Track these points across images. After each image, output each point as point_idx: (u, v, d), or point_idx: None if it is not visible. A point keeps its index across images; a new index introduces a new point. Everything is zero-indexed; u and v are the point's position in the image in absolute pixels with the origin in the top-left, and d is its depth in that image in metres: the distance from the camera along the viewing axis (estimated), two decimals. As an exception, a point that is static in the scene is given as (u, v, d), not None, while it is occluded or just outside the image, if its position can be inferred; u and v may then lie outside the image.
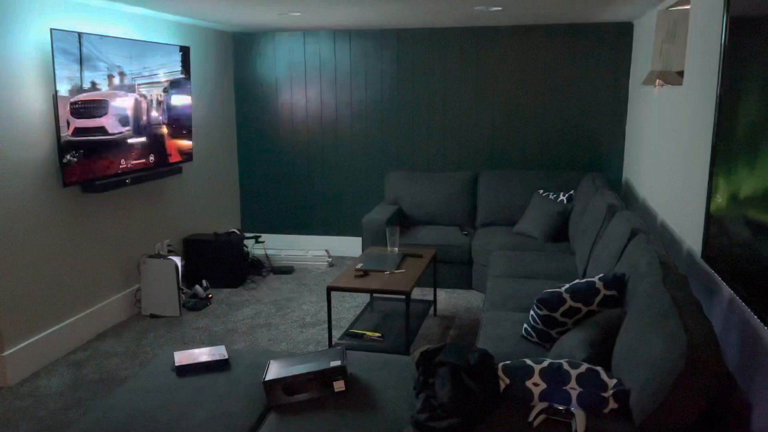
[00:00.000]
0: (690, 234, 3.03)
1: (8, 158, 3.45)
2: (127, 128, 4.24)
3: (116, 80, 4.09)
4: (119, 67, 4.11)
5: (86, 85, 3.81)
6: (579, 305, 2.66)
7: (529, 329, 2.88)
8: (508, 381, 2.10)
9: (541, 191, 5.24)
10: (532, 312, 2.83)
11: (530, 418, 1.94)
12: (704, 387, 1.75)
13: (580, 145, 5.55)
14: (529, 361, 2.13)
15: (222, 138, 5.90)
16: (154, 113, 4.55)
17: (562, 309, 2.67)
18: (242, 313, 4.62)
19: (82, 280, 4.08)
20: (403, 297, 3.72)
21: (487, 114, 5.67)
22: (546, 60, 5.48)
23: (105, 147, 4.02)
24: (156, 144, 4.59)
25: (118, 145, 4.15)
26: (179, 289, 4.52)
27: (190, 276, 5.07)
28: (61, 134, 3.65)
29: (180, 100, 4.88)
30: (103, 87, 3.96)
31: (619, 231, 3.20)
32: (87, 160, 3.86)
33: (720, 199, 2.50)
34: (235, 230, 5.38)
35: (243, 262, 5.30)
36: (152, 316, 4.53)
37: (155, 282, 4.49)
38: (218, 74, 5.77)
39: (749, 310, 2.15)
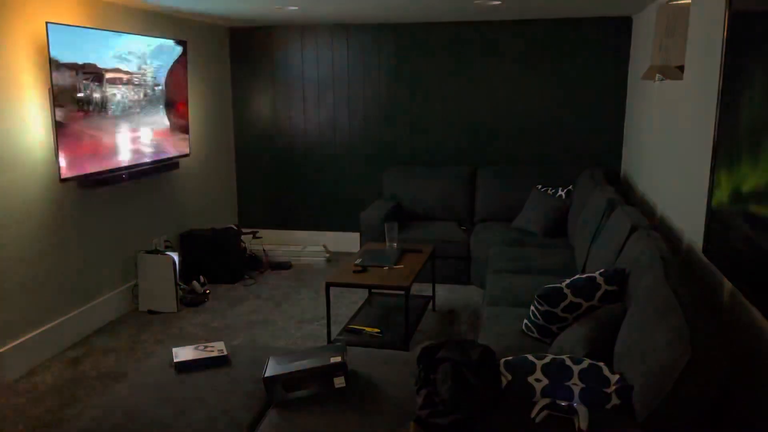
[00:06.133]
0: (691, 229, 3.02)
1: (4, 153, 3.41)
2: (124, 123, 4.21)
3: (112, 74, 4.05)
4: (116, 61, 4.07)
5: (82, 80, 3.77)
6: (580, 300, 2.65)
7: (529, 324, 2.87)
8: (509, 377, 2.08)
9: (540, 186, 5.22)
10: (532, 307, 2.82)
11: (532, 414, 1.93)
12: (707, 382, 1.74)
13: (578, 139, 5.54)
14: (530, 357, 2.12)
15: (219, 133, 5.87)
16: (151, 108, 4.52)
17: (562, 304, 2.66)
18: (240, 309, 4.60)
19: (79, 275, 4.06)
20: (402, 292, 3.71)
21: (486, 109, 5.65)
22: (544, 54, 5.46)
23: (101, 142, 3.99)
24: (153, 139, 4.56)
25: (114, 140, 4.11)
26: (177, 284, 4.50)
27: (187, 272, 5.04)
28: (57, 129, 3.62)
29: (177, 95, 4.85)
30: (100, 81, 3.93)
31: (619, 226, 3.19)
32: (83, 155, 3.83)
33: (721, 194, 2.49)
34: (233, 226, 5.36)
35: (241, 258, 5.29)
36: (150, 312, 4.51)
37: (152, 278, 4.47)
38: (215, 69, 5.73)
39: (751, 304, 2.14)
